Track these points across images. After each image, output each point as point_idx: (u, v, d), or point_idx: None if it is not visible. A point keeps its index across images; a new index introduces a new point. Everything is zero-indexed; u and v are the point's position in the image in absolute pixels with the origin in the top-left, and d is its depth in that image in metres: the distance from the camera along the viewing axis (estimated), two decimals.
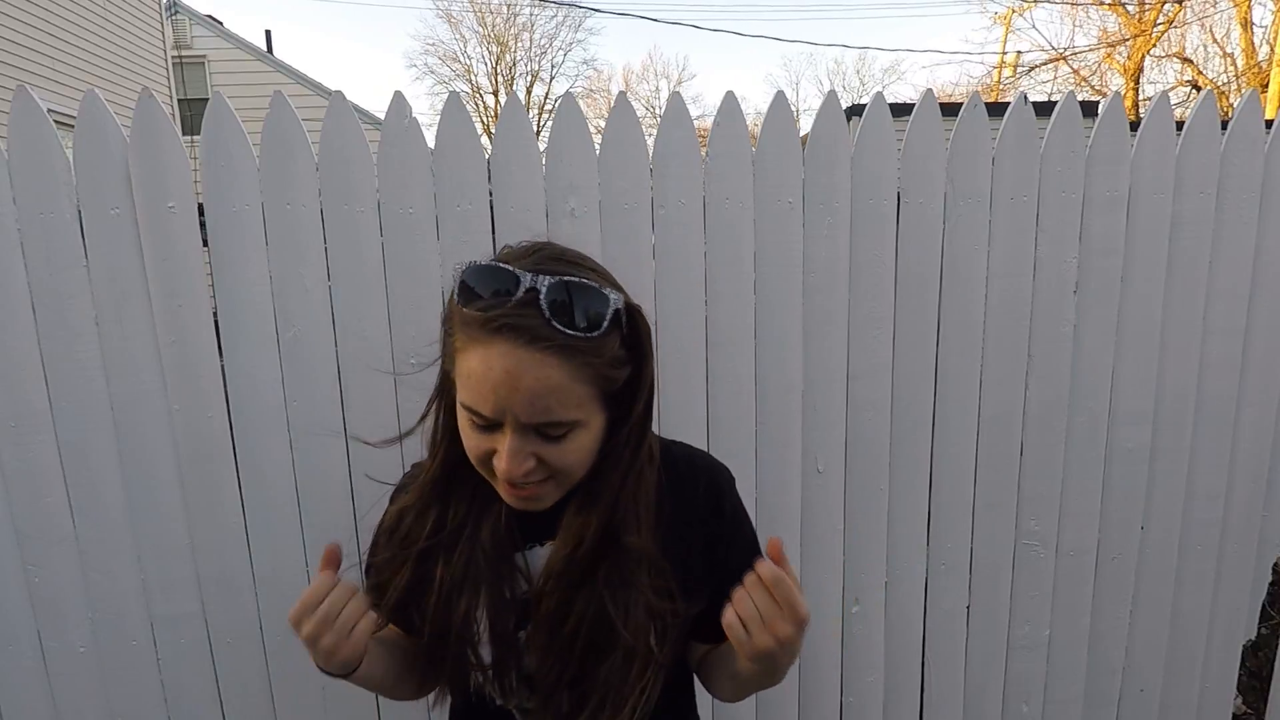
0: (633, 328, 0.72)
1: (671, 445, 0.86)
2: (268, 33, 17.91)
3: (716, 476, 0.87)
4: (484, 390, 0.67)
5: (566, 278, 0.67)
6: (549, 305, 0.66)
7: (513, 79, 24.89)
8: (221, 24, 12.79)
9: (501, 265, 0.69)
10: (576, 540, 0.76)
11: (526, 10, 24.43)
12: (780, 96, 1.33)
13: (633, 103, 1.31)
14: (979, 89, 11.34)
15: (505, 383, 0.66)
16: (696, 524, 0.83)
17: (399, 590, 0.83)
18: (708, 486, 0.85)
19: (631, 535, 0.77)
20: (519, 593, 0.80)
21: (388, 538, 0.86)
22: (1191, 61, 17.04)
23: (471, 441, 0.72)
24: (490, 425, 0.69)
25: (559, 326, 0.66)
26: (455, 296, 0.70)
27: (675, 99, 1.32)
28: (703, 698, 0.96)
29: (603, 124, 1.31)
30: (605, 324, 0.68)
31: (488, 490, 0.78)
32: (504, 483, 0.72)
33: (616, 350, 0.71)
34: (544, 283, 0.66)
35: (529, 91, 24.92)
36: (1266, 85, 13.09)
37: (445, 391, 0.77)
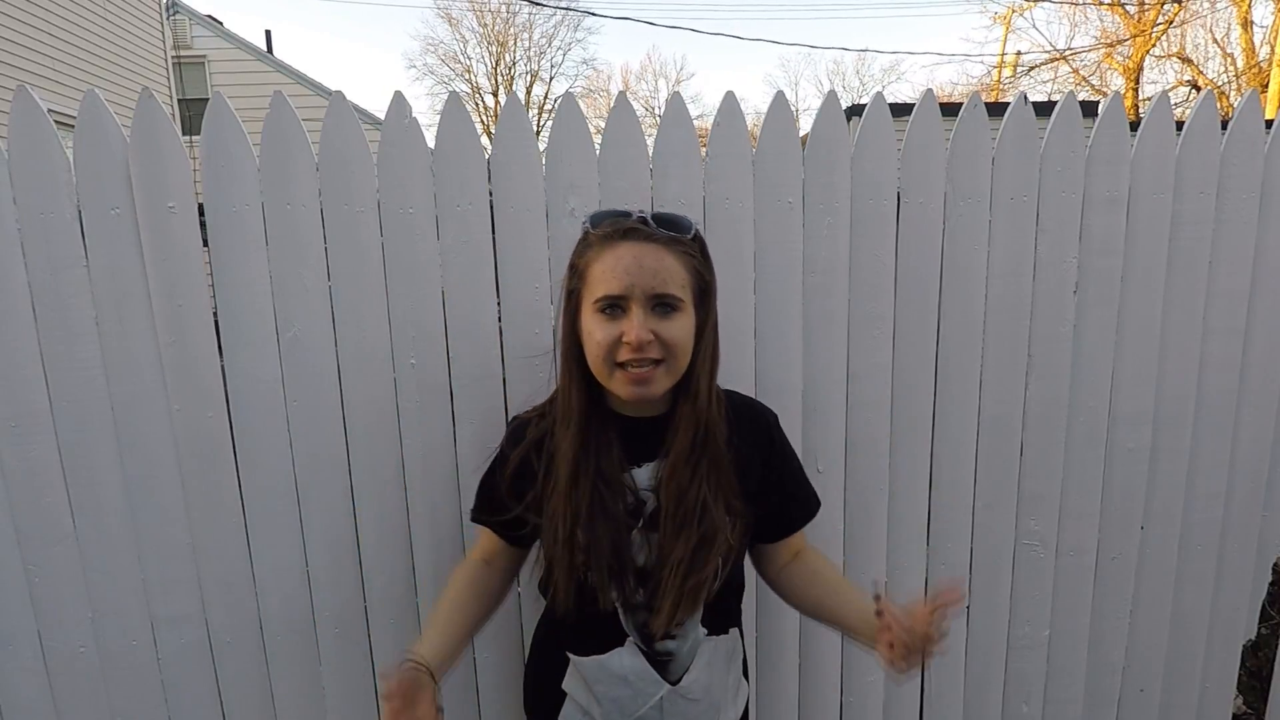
0: (705, 249, 1.00)
1: (729, 391, 1.08)
2: (268, 33, 17.91)
3: (768, 415, 1.12)
4: (616, 273, 0.92)
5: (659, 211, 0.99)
6: (655, 220, 0.96)
7: (512, 79, 24.90)
8: (221, 24, 12.79)
9: (614, 208, 1.01)
10: (694, 425, 0.98)
11: (525, 10, 24.44)
12: (780, 97, 1.33)
13: (632, 102, 1.31)
14: (979, 89, 11.33)
15: (633, 264, 0.92)
16: (755, 451, 1.07)
17: (526, 514, 1.04)
18: (763, 423, 1.10)
19: (721, 441, 1.00)
20: (628, 504, 1.01)
21: (513, 482, 1.05)
22: (1191, 61, 17.04)
23: (598, 336, 0.93)
24: (618, 308, 0.93)
25: (665, 230, 0.95)
26: (586, 228, 0.99)
27: (675, 99, 1.32)
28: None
29: (603, 124, 1.31)
30: (693, 232, 0.98)
31: (604, 430, 1.00)
32: (625, 363, 0.92)
33: (699, 254, 0.98)
34: (647, 211, 0.97)
35: (529, 91, 24.92)
36: (1266, 85, 13.09)
37: (570, 328, 0.99)
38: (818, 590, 1.11)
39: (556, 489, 1.00)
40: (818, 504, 1.16)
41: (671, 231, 0.95)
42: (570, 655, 1.07)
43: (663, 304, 0.93)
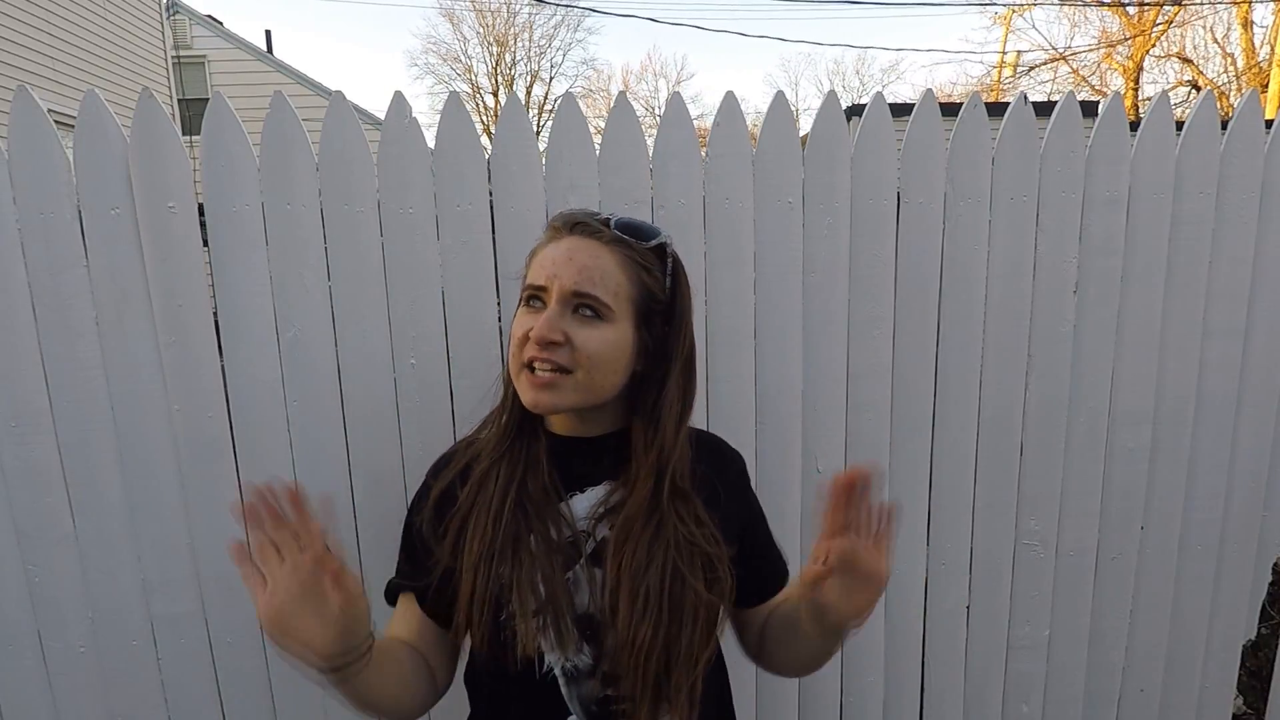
0: (676, 270, 0.88)
1: (695, 429, 0.94)
2: (268, 33, 17.92)
3: (741, 463, 1.00)
4: (545, 264, 0.83)
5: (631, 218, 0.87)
6: (615, 224, 0.85)
7: (513, 79, 24.90)
8: (221, 24, 12.80)
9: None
10: (653, 478, 0.83)
11: (526, 10, 24.44)
12: (780, 97, 1.33)
13: (632, 103, 1.31)
14: (979, 89, 11.33)
15: (564, 256, 0.82)
16: (728, 500, 0.92)
17: (445, 554, 0.87)
18: (737, 470, 0.98)
19: (688, 486, 0.86)
20: (565, 537, 0.85)
21: (434, 513, 0.90)
22: (1191, 61, 17.04)
23: (517, 330, 0.83)
24: (539, 301, 0.82)
25: (619, 233, 0.84)
26: (548, 222, 0.89)
27: (675, 99, 1.32)
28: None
29: (603, 124, 1.31)
30: (654, 240, 0.86)
31: (532, 450, 0.87)
32: (529, 362, 0.81)
33: (658, 269, 0.86)
34: (614, 217, 0.86)
35: (529, 91, 24.92)
36: (1266, 85, 13.09)
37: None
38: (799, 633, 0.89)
39: (475, 505, 0.85)
40: (787, 569, 1.00)
41: (625, 235, 0.84)
42: None
43: (586, 306, 0.81)
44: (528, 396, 0.82)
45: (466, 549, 0.84)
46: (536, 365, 0.80)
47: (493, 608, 0.82)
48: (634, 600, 0.80)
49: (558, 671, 0.85)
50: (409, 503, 1.30)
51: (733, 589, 0.87)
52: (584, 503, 0.87)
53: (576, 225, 0.85)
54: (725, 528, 0.89)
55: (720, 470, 0.94)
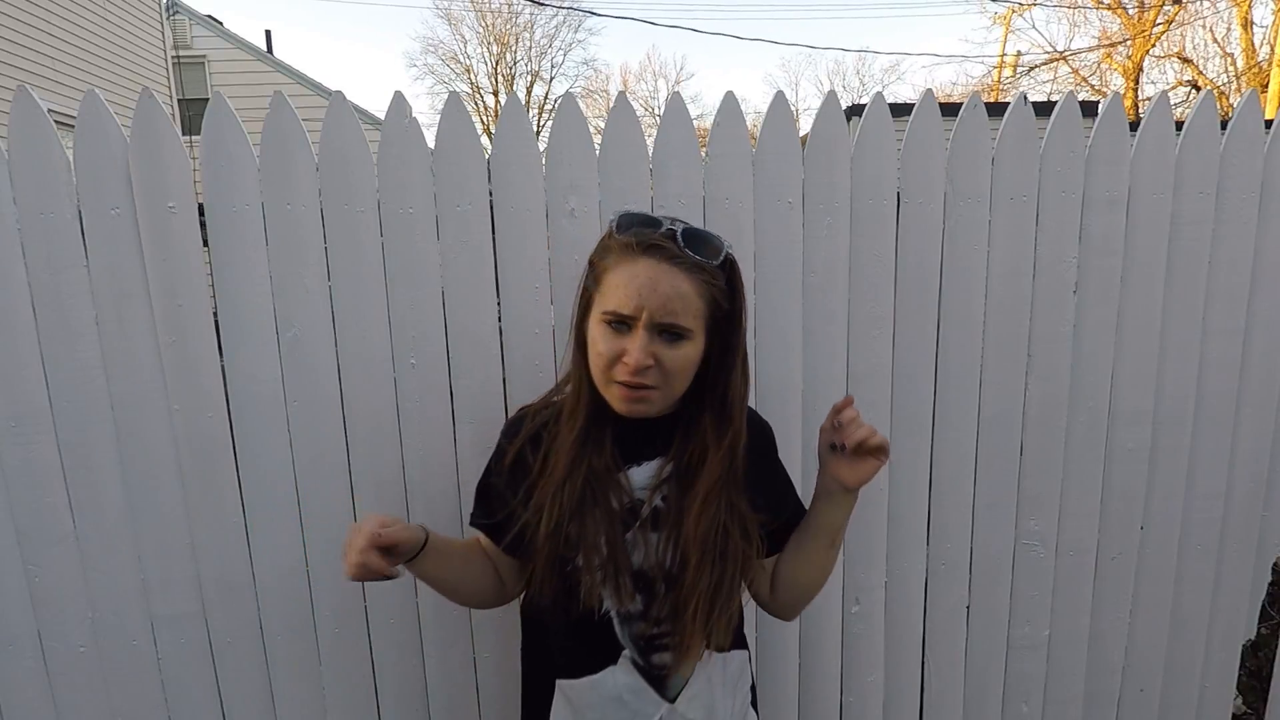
0: (735, 273, 0.95)
1: None
2: (268, 33, 17.89)
3: (770, 430, 1.12)
4: (629, 292, 0.89)
5: (694, 226, 0.94)
6: (683, 238, 0.90)
7: (513, 79, 24.89)
8: (221, 24, 12.79)
9: (646, 212, 1.00)
10: (728, 460, 0.97)
11: (526, 11, 24.44)
12: (780, 97, 1.33)
13: (632, 103, 1.31)
14: (979, 89, 11.33)
15: (648, 285, 0.88)
16: (762, 464, 1.06)
17: (520, 509, 1.00)
18: (767, 438, 1.10)
19: (740, 465, 0.98)
20: (624, 504, 0.98)
21: (510, 476, 1.03)
22: (1191, 61, 17.04)
23: (603, 347, 0.91)
24: (625, 325, 0.90)
25: (690, 252, 0.90)
26: (612, 229, 0.94)
27: (675, 99, 1.32)
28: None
29: (602, 124, 1.31)
30: (721, 257, 0.92)
31: (598, 425, 0.98)
32: (623, 382, 0.91)
33: (722, 279, 0.93)
34: (679, 225, 0.92)
35: (529, 91, 24.91)
36: (1266, 85, 13.09)
37: (581, 331, 0.97)
38: (795, 547, 1.08)
39: (550, 482, 0.97)
40: (805, 511, 1.12)
41: (698, 255, 0.90)
42: (558, 681, 1.03)
43: (670, 332, 0.90)
44: (621, 407, 0.93)
45: (544, 514, 0.97)
46: (627, 383, 0.91)
47: (561, 563, 0.97)
48: (703, 557, 0.95)
49: (613, 614, 0.99)
50: (408, 505, 1.33)
51: (763, 543, 1.02)
52: (641, 474, 1.00)
53: (651, 247, 0.90)
54: (765, 495, 1.04)
55: (754, 444, 1.03)
